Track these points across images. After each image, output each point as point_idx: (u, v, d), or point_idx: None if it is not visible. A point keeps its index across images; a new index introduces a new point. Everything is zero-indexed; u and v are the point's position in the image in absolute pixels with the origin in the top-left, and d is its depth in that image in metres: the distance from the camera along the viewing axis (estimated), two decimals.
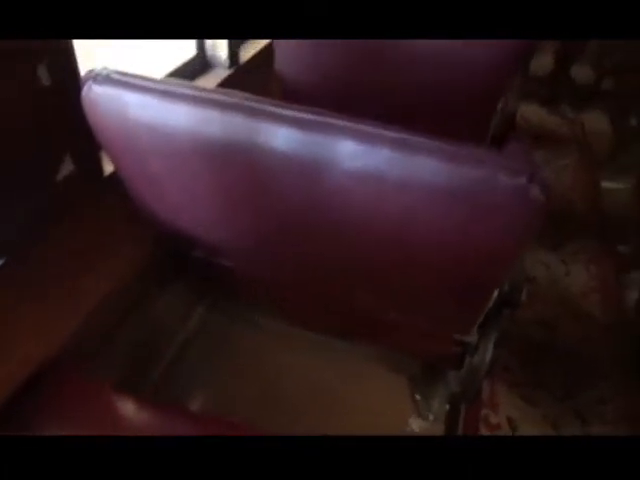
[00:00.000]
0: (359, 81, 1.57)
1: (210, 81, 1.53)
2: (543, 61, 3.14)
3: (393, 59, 1.51)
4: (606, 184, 2.59)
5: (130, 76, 0.86)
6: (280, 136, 0.84)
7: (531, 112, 2.95)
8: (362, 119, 0.84)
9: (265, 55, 1.74)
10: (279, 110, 0.84)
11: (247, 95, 0.86)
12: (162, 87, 0.85)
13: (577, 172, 2.66)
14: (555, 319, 1.90)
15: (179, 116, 0.85)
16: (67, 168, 1.05)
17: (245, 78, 1.63)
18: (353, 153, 0.82)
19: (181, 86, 0.86)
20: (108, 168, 1.15)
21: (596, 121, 3.03)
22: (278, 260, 1.14)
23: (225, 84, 1.53)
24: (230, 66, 1.58)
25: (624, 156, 2.62)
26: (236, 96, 0.85)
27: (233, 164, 0.89)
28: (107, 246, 1.12)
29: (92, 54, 1.17)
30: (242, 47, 1.71)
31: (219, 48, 1.55)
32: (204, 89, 0.90)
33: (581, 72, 3.36)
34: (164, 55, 1.51)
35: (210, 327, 1.46)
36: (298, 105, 0.86)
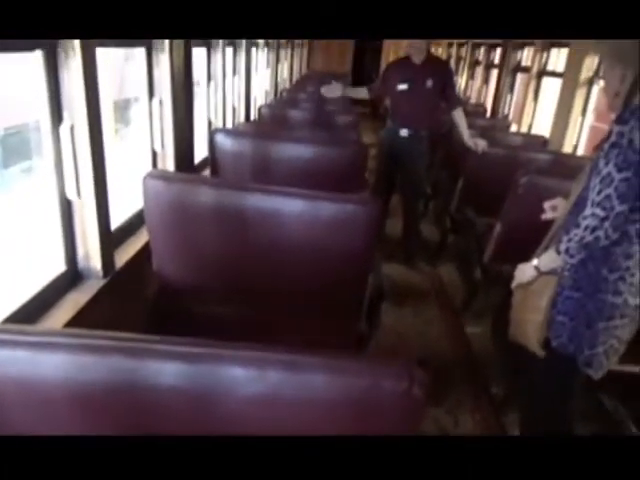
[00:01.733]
0: (237, 276, 1.65)
1: (83, 294, 1.48)
2: (396, 226, 3.58)
3: (266, 255, 1.63)
4: (468, 329, 2.86)
5: None
6: (167, 373, 0.83)
7: (394, 271, 3.27)
8: (251, 344, 0.87)
9: (140, 259, 1.76)
10: (164, 347, 0.84)
11: (128, 335, 0.85)
12: (33, 339, 0.81)
13: (443, 322, 2.92)
14: None
15: (53, 366, 0.80)
16: None
17: (121, 285, 1.62)
18: (245, 380, 0.84)
19: (54, 335, 0.83)
20: None
21: (449, 273, 3.45)
22: None
23: (100, 295, 1.50)
24: (105, 275, 1.56)
25: (477, 303, 2.95)
26: (116, 338, 0.84)
27: (115, 406, 0.84)
28: None
29: None
30: (117, 253, 1.72)
31: (93, 259, 1.54)
32: (80, 333, 0.87)
33: (429, 230, 3.90)
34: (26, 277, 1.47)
35: None
36: (183, 337, 0.87)
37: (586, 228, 1.37)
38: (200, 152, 2.90)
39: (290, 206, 1.59)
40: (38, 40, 1.34)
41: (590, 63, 3.52)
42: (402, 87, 3.09)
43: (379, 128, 5.94)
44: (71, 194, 1.49)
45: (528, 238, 1.76)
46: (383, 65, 10.56)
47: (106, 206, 1.59)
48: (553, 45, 4.34)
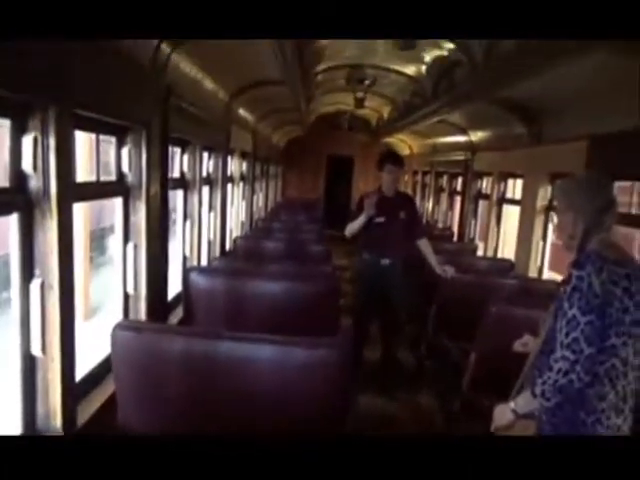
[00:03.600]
0: (207, 427, 1.57)
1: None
2: (373, 353, 3.53)
3: (237, 403, 1.57)
4: None
5: None
6: None
7: (371, 402, 3.16)
8: None
9: (105, 412, 1.67)
10: None
11: None
12: None
13: None
14: None
15: None
16: None
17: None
18: None
19: None
20: None
21: (427, 401, 3.34)
22: None
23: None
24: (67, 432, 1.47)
25: (459, 433, 2.83)
26: None
27: None
28: None
29: None
30: (80, 406, 1.63)
31: (53, 418, 1.45)
32: None
33: (404, 356, 3.85)
34: None
35: None
36: None
37: (559, 371, 1.38)
38: (174, 285, 2.91)
39: (261, 353, 1.58)
40: (15, 204, 1.39)
41: (544, 193, 3.80)
42: (379, 219, 3.18)
43: (352, 251, 6.11)
44: (36, 350, 1.45)
45: (504, 366, 1.76)
46: (353, 191, 11.13)
47: (72, 363, 1.54)
48: (509, 176, 4.70)
